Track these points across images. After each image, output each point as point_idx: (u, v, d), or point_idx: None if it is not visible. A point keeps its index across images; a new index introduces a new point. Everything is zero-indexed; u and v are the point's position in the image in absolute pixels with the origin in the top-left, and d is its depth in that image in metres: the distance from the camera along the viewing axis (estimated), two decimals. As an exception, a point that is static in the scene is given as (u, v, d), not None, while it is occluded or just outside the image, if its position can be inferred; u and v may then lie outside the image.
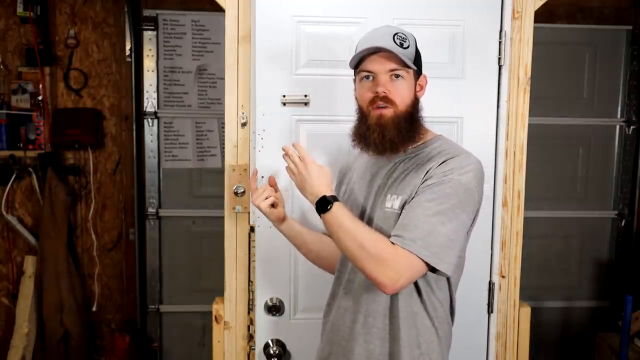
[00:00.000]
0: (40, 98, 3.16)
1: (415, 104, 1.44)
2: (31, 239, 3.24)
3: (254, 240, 1.89)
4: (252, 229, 1.90)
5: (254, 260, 1.90)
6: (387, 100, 1.38)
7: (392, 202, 1.39)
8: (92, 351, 3.37)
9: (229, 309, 1.97)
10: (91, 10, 3.24)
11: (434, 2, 1.90)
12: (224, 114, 1.94)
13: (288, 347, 1.90)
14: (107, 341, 3.38)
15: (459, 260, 1.44)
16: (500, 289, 2.01)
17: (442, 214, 1.30)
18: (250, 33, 1.87)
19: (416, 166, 1.42)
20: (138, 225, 3.30)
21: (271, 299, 1.90)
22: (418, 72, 1.46)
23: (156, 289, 3.34)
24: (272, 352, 1.87)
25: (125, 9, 3.16)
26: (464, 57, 1.92)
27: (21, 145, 3.18)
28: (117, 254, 3.38)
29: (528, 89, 1.97)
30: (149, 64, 3.21)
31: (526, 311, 2.04)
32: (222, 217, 1.95)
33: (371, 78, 1.40)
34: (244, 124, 1.92)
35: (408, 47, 1.39)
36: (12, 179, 3.19)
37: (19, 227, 3.23)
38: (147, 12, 3.18)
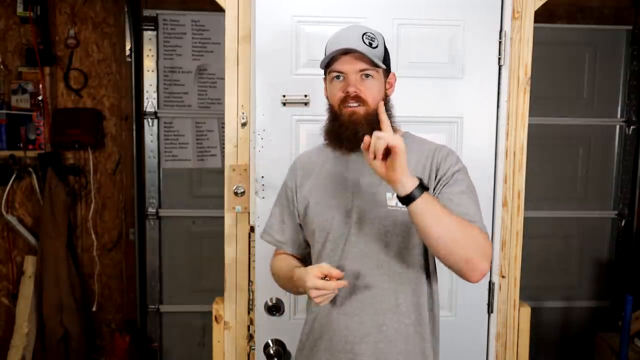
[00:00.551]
0: (40, 98, 3.16)
1: (386, 102, 1.46)
2: (31, 239, 3.24)
3: (253, 240, 1.89)
4: (252, 229, 1.90)
5: (253, 260, 1.90)
6: (358, 99, 1.39)
7: (396, 201, 1.37)
8: (92, 351, 3.37)
9: (229, 309, 1.97)
10: (91, 10, 3.24)
11: (434, 2, 1.90)
12: (224, 114, 1.94)
13: (288, 347, 1.90)
14: (107, 341, 3.38)
15: None
16: (500, 289, 2.01)
17: (475, 199, 1.42)
18: (250, 33, 1.87)
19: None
20: (138, 225, 3.30)
21: (271, 299, 1.90)
22: (387, 71, 1.48)
23: (156, 289, 3.34)
24: (272, 352, 1.87)
25: (125, 9, 3.16)
26: (464, 57, 1.92)
27: (21, 145, 3.18)
28: (117, 254, 3.38)
29: (528, 89, 1.97)
30: (149, 64, 3.21)
31: (526, 311, 2.04)
32: (222, 217, 1.95)
33: (342, 78, 1.41)
34: (244, 124, 1.92)
35: (377, 46, 1.41)
36: (12, 179, 3.19)
37: (19, 227, 3.23)
38: (147, 12, 3.18)
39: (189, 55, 3.23)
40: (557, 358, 3.56)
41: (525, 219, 2.03)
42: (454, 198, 1.37)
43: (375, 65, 1.40)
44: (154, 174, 3.28)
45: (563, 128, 3.40)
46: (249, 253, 1.93)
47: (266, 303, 1.89)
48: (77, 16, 3.23)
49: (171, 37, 3.22)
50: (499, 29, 1.93)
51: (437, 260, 1.43)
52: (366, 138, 1.25)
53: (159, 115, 3.24)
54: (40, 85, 3.15)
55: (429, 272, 1.48)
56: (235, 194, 1.90)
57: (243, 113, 1.92)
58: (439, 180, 1.42)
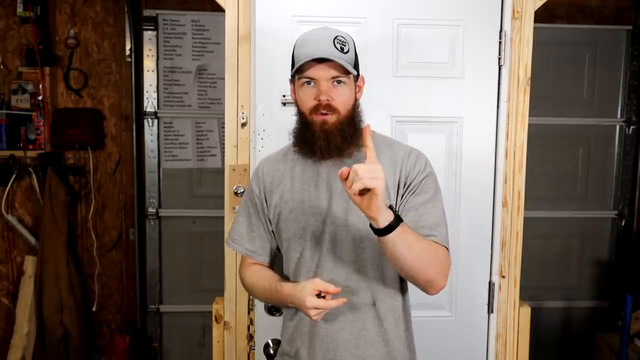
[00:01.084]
0: (40, 98, 3.16)
1: (355, 107, 1.44)
2: (31, 239, 3.24)
3: (254, 240, 1.89)
4: (252, 229, 1.90)
5: (254, 260, 1.90)
6: (329, 107, 1.37)
7: None
8: (92, 351, 3.36)
9: (229, 309, 1.97)
10: (91, 10, 3.24)
11: (434, 2, 1.90)
12: (224, 114, 1.94)
13: (288, 347, 1.90)
14: (107, 341, 3.38)
15: None
16: (500, 289, 2.01)
17: (439, 205, 1.43)
18: (250, 33, 1.87)
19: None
20: (138, 225, 3.30)
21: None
22: (357, 74, 1.45)
23: (156, 289, 3.34)
24: (272, 352, 1.86)
25: (125, 9, 3.16)
26: (464, 57, 1.92)
27: (21, 145, 3.18)
28: (117, 254, 3.38)
29: (528, 89, 1.97)
30: (149, 64, 3.21)
31: (526, 311, 2.04)
32: (222, 217, 1.95)
33: (312, 84, 1.38)
34: (244, 124, 1.92)
35: (348, 51, 1.38)
36: (12, 179, 3.19)
37: (19, 227, 3.23)
38: (147, 12, 3.19)
39: (189, 55, 3.23)
40: (557, 358, 3.56)
41: (525, 219, 2.03)
42: (419, 208, 1.39)
43: (347, 72, 1.38)
44: (154, 174, 3.28)
45: (563, 128, 3.40)
46: (249, 253, 1.93)
47: (267, 305, 1.89)
48: (77, 16, 3.23)
49: (171, 37, 3.22)
50: (499, 29, 1.93)
51: None
52: (344, 170, 1.19)
53: (159, 115, 3.24)
54: (40, 85, 3.15)
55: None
56: (235, 194, 1.90)
57: (243, 113, 1.92)
58: (407, 187, 1.42)
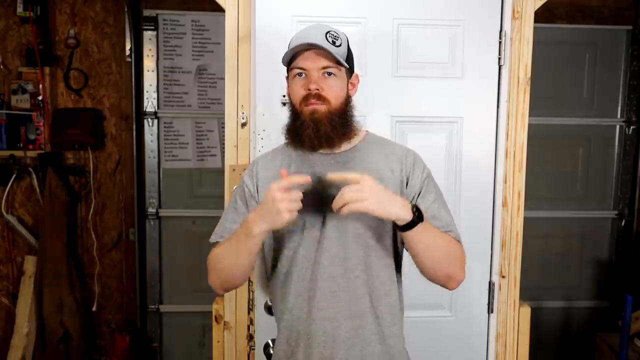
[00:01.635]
0: (40, 98, 3.16)
1: (347, 102, 1.44)
2: (31, 239, 3.24)
3: (254, 240, 1.89)
4: (252, 229, 1.90)
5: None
6: (319, 97, 1.38)
7: None
8: (92, 351, 3.36)
9: (229, 309, 1.97)
10: (91, 10, 3.24)
11: (434, 2, 1.90)
12: (224, 114, 1.94)
13: (288, 347, 1.90)
14: (107, 341, 3.38)
15: None
16: (500, 289, 2.01)
17: (444, 202, 1.48)
18: (250, 33, 1.87)
19: (369, 159, 1.44)
20: (138, 225, 3.30)
21: (272, 298, 1.89)
22: (350, 71, 1.46)
23: (156, 289, 3.34)
24: (272, 352, 1.86)
25: (125, 9, 3.16)
26: (463, 57, 1.92)
27: (21, 145, 3.18)
28: (117, 254, 3.38)
29: (528, 89, 1.97)
30: (149, 64, 3.21)
31: (526, 311, 2.04)
32: (222, 217, 1.94)
33: (304, 75, 1.39)
34: (244, 124, 1.92)
35: (340, 45, 1.40)
36: (12, 179, 3.19)
37: (19, 227, 3.23)
38: (147, 12, 3.19)
39: (189, 55, 3.24)
40: (557, 358, 3.56)
41: (525, 219, 2.03)
42: (428, 210, 1.41)
43: (338, 63, 1.39)
44: (154, 174, 3.29)
45: (563, 128, 3.40)
46: (249, 253, 1.92)
47: (266, 303, 1.89)
48: (77, 16, 3.23)
49: (171, 37, 3.22)
50: (499, 29, 1.93)
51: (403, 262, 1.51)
52: (335, 202, 1.26)
53: (159, 115, 3.24)
54: (40, 85, 3.15)
55: (399, 274, 1.50)
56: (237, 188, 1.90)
57: (243, 113, 1.92)
58: (412, 189, 1.44)
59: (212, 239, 1.56)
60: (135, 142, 3.27)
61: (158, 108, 3.24)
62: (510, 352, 2.04)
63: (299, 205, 1.29)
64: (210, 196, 3.24)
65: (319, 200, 1.41)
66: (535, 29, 1.96)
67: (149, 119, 3.23)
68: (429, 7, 1.90)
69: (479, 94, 1.94)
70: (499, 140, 1.96)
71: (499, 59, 1.93)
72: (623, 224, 3.49)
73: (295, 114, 1.43)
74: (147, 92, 3.22)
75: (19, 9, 3.06)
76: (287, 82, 1.47)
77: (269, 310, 1.89)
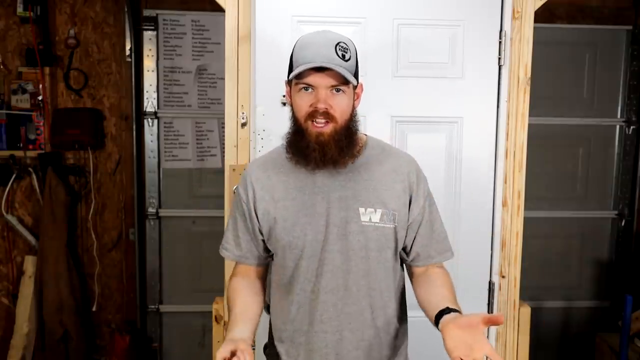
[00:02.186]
0: (40, 98, 3.16)
1: (353, 116, 1.40)
2: (31, 239, 3.24)
3: (254, 240, 1.89)
4: (252, 229, 1.90)
5: (254, 260, 1.90)
6: (327, 115, 1.33)
7: (370, 216, 1.38)
8: (92, 351, 3.36)
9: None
10: (91, 10, 3.24)
11: (434, 2, 1.90)
12: (224, 114, 1.94)
13: (288, 347, 1.89)
14: (107, 341, 3.38)
15: None
16: (500, 289, 2.01)
17: (438, 214, 1.51)
18: (250, 33, 1.87)
19: (372, 173, 1.42)
20: (138, 225, 3.30)
21: (271, 303, 1.89)
22: (356, 84, 1.41)
23: (156, 289, 3.34)
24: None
25: (125, 9, 3.16)
26: (463, 57, 1.92)
27: (21, 145, 3.18)
28: (117, 254, 3.38)
29: (528, 89, 1.97)
30: (149, 64, 3.21)
31: (526, 311, 2.04)
32: (222, 217, 1.95)
33: (310, 90, 1.33)
34: (244, 124, 1.92)
35: (349, 59, 1.34)
36: (12, 179, 3.19)
37: (19, 227, 3.23)
38: (147, 12, 3.19)
39: (189, 55, 3.23)
40: (557, 358, 3.56)
41: (525, 219, 2.03)
42: (434, 225, 1.47)
43: (347, 82, 1.34)
44: (154, 174, 3.28)
45: (563, 128, 3.40)
46: (249, 253, 1.92)
47: (266, 303, 1.89)
48: (77, 16, 3.23)
49: (171, 37, 3.22)
50: (499, 29, 1.93)
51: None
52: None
53: (159, 115, 3.24)
54: (40, 85, 3.15)
55: (401, 284, 1.50)
56: (235, 194, 1.90)
57: (243, 113, 1.92)
58: (417, 203, 1.44)
59: (221, 252, 1.54)
60: (135, 142, 3.27)
61: (158, 108, 3.24)
62: (510, 352, 2.04)
63: None
64: (210, 196, 3.24)
65: (320, 212, 1.40)
66: (535, 29, 1.96)
67: (149, 119, 3.23)
68: (429, 7, 1.90)
69: (479, 94, 1.94)
70: (499, 140, 1.96)
71: (499, 59, 1.93)
72: (623, 224, 3.49)
73: (298, 129, 1.37)
74: (147, 92, 3.22)
75: (19, 9, 3.06)
76: (289, 89, 1.41)
77: (268, 310, 1.89)
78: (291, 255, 1.42)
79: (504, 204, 1.99)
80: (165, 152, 3.28)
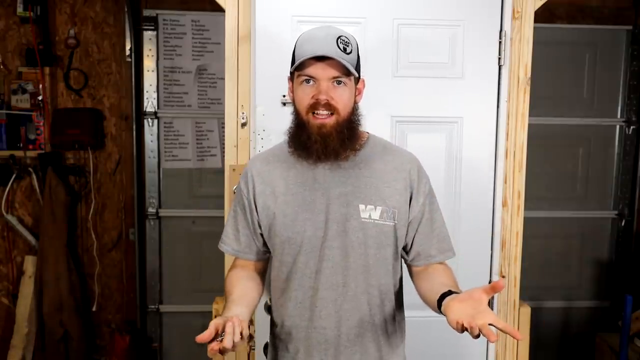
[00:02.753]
0: (40, 98, 3.16)
1: (354, 110, 1.41)
2: (31, 239, 3.24)
3: (254, 240, 1.89)
4: (252, 229, 1.90)
5: (254, 260, 1.90)
6: (329, 107, 1.33)
7: (370, 213, 1.39)
8: (92, 351, 3.36)
9: (229, 309, 1.96)
10: (91, 10, 3.24)
11: (434, 2, 1.90)
12: (224, 114, 1.94)
13: (288, 347, 1.89)
14: (107, 341, 3.38)
15: None
16: (500, 289, 2.01)
17: (440, 212, 1.51)
18: (250, 33, 1.87)
19: (373, 170, 1.42)
20: (138, 225, 3.30)
21: (271, 299, 1.89)
22: (358, 77, 1.42)
23: (156, 289, 3.34)
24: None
25: (125, 9, 3.16)
26: (463, 57, 1.92)
27: (21, 145, 3.18)
28: (117, 254, 3.38)
29: (528, 89, 1.97)
30: (149, 64, 3.21)
31: (526, 311, 2.04)
32: (222, 217, 1.95)
33: (312, 82, 1.34)
34: (244, 124, 1.92)
35: (351, 52, 1.35)
36: (12, 179, 3.19)
37: (19, 227, 3.23)
38: (147, 12, 3.19)
39: (189, 55, 3.23)
40: (557, 358, 3.56)
41: (525, 219, 2.03)
42: (434, 223, 1.47)
43: (349, 73, 1.34)
44: (154, 174, 3.28)
45: (563, 128, 3.40)
46: (249, 253, 1.92)
47: (266, 303, 1.89)
48: (77, 16, 3.23)
49: (171, 37, 3.22)
50: (499, 29, 1.93)
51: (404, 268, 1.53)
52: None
53: (159, 115, 3.24)
54: (40, 85, 3.15)
55: (399, 282, 1.50)
56: (235, 194, 1.90)
57: (243, 113, 1.92)
58: (417, 201, 1.44)
59: (220, 246, 1.54)
60: (135, 142, 3.27)
61: (158, 108, 3.24)
62: (510, 352, 2.04)
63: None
64: (210, 196, 3.24)
65: (320, 208, 1.40)
66: (535, 29, 1.96)
67: (149, 119, 3.23)
68: (429, 7, 1.90)
69: (479, 94, 1.94)
70: (499, 140, 1.96)
71: (499, 59, 1.93)
72: (623, 224, 3.49)
73: (300, 122, 1.38)
74: (147, 92, 3.22)
75: (19, 9, 3.06)
76: (291, 84, 1.41)
77: (268, 310, 1.88)
78: (290, 250, 1.42)
79: (504, 204, 1.99)
80: (165, 152, 3.28)
